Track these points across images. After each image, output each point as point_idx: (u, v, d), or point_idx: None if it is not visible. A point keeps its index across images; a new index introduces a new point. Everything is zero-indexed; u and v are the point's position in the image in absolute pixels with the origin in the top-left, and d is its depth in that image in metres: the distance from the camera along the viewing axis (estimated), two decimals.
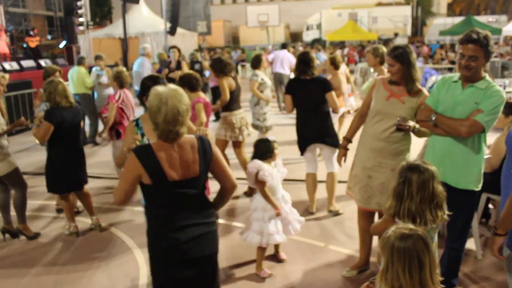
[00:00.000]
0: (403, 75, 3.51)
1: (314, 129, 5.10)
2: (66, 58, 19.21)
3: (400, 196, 2.47)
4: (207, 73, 11.16)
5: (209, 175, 2.63)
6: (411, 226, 2.04)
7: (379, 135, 3.58)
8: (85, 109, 8.93)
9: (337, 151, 5.15)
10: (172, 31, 21.17)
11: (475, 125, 3.01)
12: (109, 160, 7.51)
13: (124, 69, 6.22)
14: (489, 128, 3.06)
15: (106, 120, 5.93)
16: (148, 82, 3.52)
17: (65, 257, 4.50)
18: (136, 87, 9.76)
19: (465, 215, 3.27)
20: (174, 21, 21.23)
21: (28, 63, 14.14)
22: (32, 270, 4.25)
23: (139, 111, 6.60)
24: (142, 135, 3.47)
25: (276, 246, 4.22)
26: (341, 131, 8.22)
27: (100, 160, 8.01)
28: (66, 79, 8.10)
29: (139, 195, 2.75)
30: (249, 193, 5.95)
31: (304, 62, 5.09)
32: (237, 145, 6.11)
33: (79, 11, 18.47)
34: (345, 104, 8.01)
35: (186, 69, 9.28)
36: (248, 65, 20.69)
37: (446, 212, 2.52)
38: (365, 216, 3.83)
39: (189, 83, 4.79)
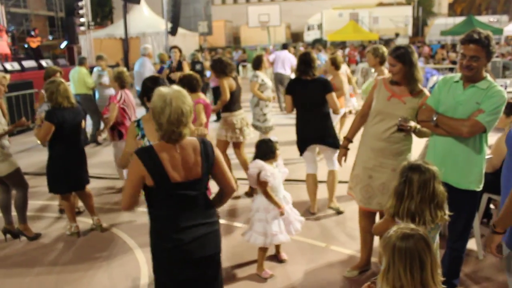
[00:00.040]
0: (405, 75, 3.51)
1: (314, 130, 5.10)
2: (67, 58, 19.23)
3: (401, 195, 2.47)
4: (208, 73, 11.17)
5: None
6: (412, 226, 2.04)
7: (380, 135, 3.58)
8: (86, 109, 8.95)
9: (337, 151, 5.17)
10: (173, 31, 21.18)
11: (477, 125, 3.01)
12: (110, 161, 7.52)
13: (125, 69, 6.23)
14: (491, 128, 3.06)
15: (107, 120, 5.93)
16: (149, 83, 3.52)
17: (66, 257, 4.50)
18: (138, 88, 9.76)
19: (466, 216, 3.26)
20: (175, 21, 21.23)
21: (29, 63, 14.16)
22: (33, 270, 4.26)
23: (140, 112, 6.62)
24: (143, 136, 3.48)
25: (277, 247, 4.22)
26: (342, 132, 8.23)
27: (101, 160, 8.02)
28: (67, 80, 8.10)
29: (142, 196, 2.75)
30: (250, 193, 5.95)
31: (305, 63, 5.09)
32: (237, 145, 6.11)
33: (80, 12, 18.49)
34: (347, 105, 8.00)
35: (187, 69, 9.29)
36: (249, 65, 20.72)
37: (447, 212, 2.52)
38: (366, 216, 3.83)
39: (189, 84, 4.79)
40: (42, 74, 6.36)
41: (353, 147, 4.02)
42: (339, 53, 13.64)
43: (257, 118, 7.00)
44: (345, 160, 4.07)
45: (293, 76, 7.09)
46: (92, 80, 8.98)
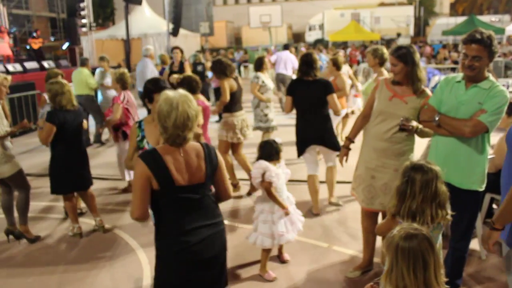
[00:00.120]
0: (407, 75, 3.51)
1: (314, 131, 5.10)
2: (69, 59, 19.29)
3: (403, 195, 2.47)
4: (209, 74, 11.17)
5: None
6: (416, 226, 2.04)
7: (382, 136, 3.58)
8: (89, 110, 8.97)
9: (336, 152, 5.21)
10: (174, 32, 21.20)
11: (479, 125, 3.01)
12: (112, 161, 7.54)
13: (126, 70, 6.25)
14: (493, 128, 3.05)
15: (109, 121, 5.94)
16: (150, 85, 3.53)
17: (69, 258, 4.51)
18: (139, 89, 9.77)
19: (469, 216, 3.26)
20: (177, 22, 21.26)
21: (31, 64, 14.20)
22: (36, 271, 4.27)
23: (141, 112, 6.63)
24: (143, 137, 3.49)
25: (280, 247, 4.22)
26: (345, 132, 8.23)
27: (104, 161, 8.03)
28: (70, 81, 8.12)
29: None
30: (249, 192, 5.99)
31: (307, 64, 5.09)
32: (236, 146, 6.13)
33: (82, 13, 18.54)
34: (352, 105, 8.01)
35: (189, 70, 9.29)
36: (250, 66, 20.73)
37: (450, 212, 2.52)
38: (369, 216, 3.83)
39: (189, 85, 4.79)
40: (44, 75, 6.38)
41: (355, 147, 4.02)
42: (341, 53, 13.64)
43: (259, 119, 7.00)
44: (346, 160, 4.07)
45: (294, 76, 7.09)
46: (94, 81, 8.99)
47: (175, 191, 2.41)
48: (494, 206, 4.79)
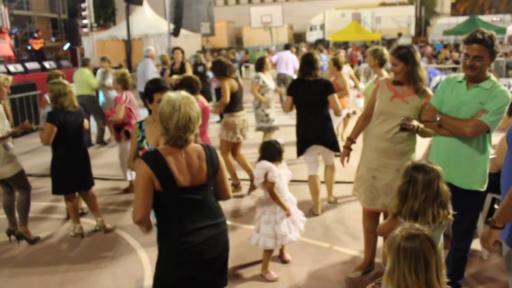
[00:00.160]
0: (408, 75, 3.51)
1: (315, 130, 5.11)
2: (70, 60, 19.32)
3: (405, 195, 2.47)
4: (210, 74, 11.17)
5: None
6: (417, 226, 2.04)
7: (384, 136, 3.58)
8: (90, 111, 8.97)
9: (334, 153, 5.23)
10: (175, 33, 21.21)
11: (480, 125, 3.00)
12: (114, 162, 7.54)
13: (127, 70, 6.26)
14: (494, 128, 3.05)
15: (111, 122, 5.96)
16: (150, 85, 3.54)
17: (70, 258, 4.51)
18: (140, 89, 9.78)
19: (470, 216, 3.26)
20: (178, 22, 21.26)
21: (32, 65, 14.22)
22: (37, 271, 4.27)
23: (142, 112, 6.64)
24: (143, 137, 3.50)
25: (281, 247, 4.21)
26: (346, 132, 8.23)
27: (105, 161, 8.04)
28: (71, 82, 8.14)
29: None
30: (251, 191, 6.04)
31: (308, 64, 5.10)
32: (235, 146, 6.14)
33: (83, 13, 18.54)
34: (354, 106, 8.01)
35: (190, 71, 9.30)
36: (251, 66, 20.73)
37: (451, 211, 2.52)
38: (370, 217, 3.83)
39: (190, 86, 4.79)
40: (45, 76, 6.39)
41: (356, 147, 4.02)
42: (342, 53, 13.63)
43: (260, 119, 7.01)
44: (347, 161, 4.07)
45: (295, 76, 7.09)
46: (96, 81, 8.99)
47: (177, 192, 2.41)
48: (496, 206, 4.78)
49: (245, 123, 6.06)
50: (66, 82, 4.78)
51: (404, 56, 3.48)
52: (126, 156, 5.72)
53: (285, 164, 4.09)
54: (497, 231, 2.54)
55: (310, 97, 5.09)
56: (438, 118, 3.17)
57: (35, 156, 8.60)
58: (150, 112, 3.75)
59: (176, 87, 4.88)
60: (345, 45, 29.35)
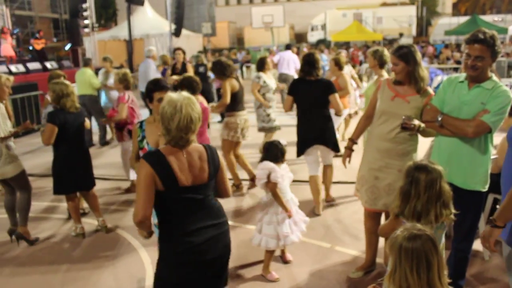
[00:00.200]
0: (408, 74, 3.51)
1: (316, 130, 5.11)
2: (71, 60, 19.34)
3: (407, 195, 2.47)
4: (211, 75, 11.17)
5: None
6: (419, 226, 2.04)
7: (386, 136, 3.57)
8: (92, 111, 8.98)
9: (333, 153, 5.24)
10: (177, 33, 21.23)
11: (482, 125, 3.00)
12: (115, 162, 7.55)
13: (128, 70, 6.27)
14: (496, 129, 3.05)
15: (112, 120, 5.97)
16: (150, 85, 3.55)
17: (71, 258, 4.52)
18: (142, 89, 9.79)
19: (472, 216, 3.25)
20: (179, 22, 21.28)
21: (34, 65, 14.25)
22: (39, 270, 4.28)
23: (144, 113, 6.64)
24: (143, 137, 3.51)
25: (283, 247, 4.21)
26: (347, 132, 8.22)
27: (106, 161, 8.04)
28: (73, 82, 8.16)
29: None
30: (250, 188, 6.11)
31: (309, 63, 5.11)
32: (235, 145, 6.15)
33: (84, 14, 18.57)
34: (355, 106, 8.01)
35: (191, 71, 9.30)
36: (253, 67, 20.72)
37: (453, 211, 2.51)
38: (372, 217, 3.82)
39: (190, 86, 4.79)
40: (46, 76, 6.39)
41: (357, 148, 4.02)
42: (343, 53, 13.61)
43: (261, 119, 7.01)
44: (349, 162, 4.07)
45: (296, 76, 7.08)
46: (97, 81, 9.00)
47: (179, 191, 2.41)
48: (497, 206, 4.78)
49: (246, 123, 6.07)
50: (68, 82, 4.78)
51: (405, 55, 3.48)
52: (128, 156, 5.73)
53: (287, 166, 4.09)
54: (498, 230, 2.53)
55: (311, 97, 5.09)
56: (439, 118, 3.16)
57: (36, 156, 8.61)
58: (151, 112, 3.76)
59: (176, 87, 4.88)
60: (346, 45, 29.33)
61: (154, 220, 2.76)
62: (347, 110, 7.43)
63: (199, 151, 2.51)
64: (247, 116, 6.13)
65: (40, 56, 18.30)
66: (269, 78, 7.13)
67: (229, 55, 20.27)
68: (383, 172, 3.60)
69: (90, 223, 5.27)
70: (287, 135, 7.03)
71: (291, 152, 6.08)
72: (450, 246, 3.40)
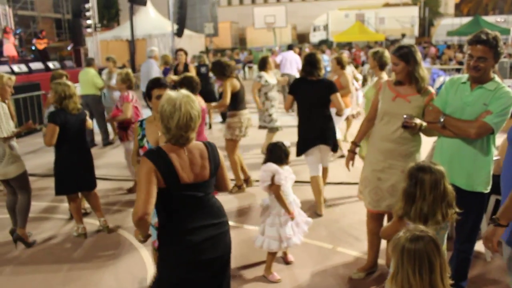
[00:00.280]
0: (409, 74, 3.50)
1: (317, 130, 5.12)
2: (74, 60, 19.34)
3: (412, 197, 2.46)
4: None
5: None
6: (422, 227, 2.03)
7: (389, 136, 3.56)
8: (94, 111, 8.99)
9: (331, 153, 5.25)
10: (179, 33, 21.25)
11: (484, 126, 3.00)
12: (117, 162, 7.57)
13: (130, 70, 6.27)
14: (498, 130, 3.05)
15: (115, 119, 5.98)
16: (150, 84, 3.56)
17: (73, 257, 4.52)
18: (144, 89, 9.79)
19: (474, 217, 3.24)
20: (181, 22, 21.29)
21: (36, 65, 14.25)
22: (41, 270, 4.29)
23: (145, 112, 6.65)
24: (143, 136, 3.52)
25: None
26: (349, 133, 8.21)
27: (108, 161, 8.05)
28: (75, 82, 8.18)
29: None
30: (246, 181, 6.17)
31: (310, 63, 5.12)
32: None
33: (87, 14, 18.60)
34: (358, 106, 7.99)
35: (193, 72, 9.31)
36: (255, 67, 20.73)
37: (457, 210, 2.51)
38: (374, 218, 3.81)
39: (190, 85, 4.80)
40: (49, 76, 6.40)
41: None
42: (345, 54, 13.59)
43: (263, 119, 7.02)
44: (352, 165, 4.06)
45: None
46: (101, 81, 9.00)
47: (180, 188, 2.41)
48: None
49: (249, 121, 6.11)
50: (70, 83, 4.78)
51: (405, 55, 3.48)
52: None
53: (289, 167, 4.09)
54: (502, 229, 2.52)
55: (313, 97, 5.10)
56: (442, 120, 3.16)
57: (39, 156, 8.62)
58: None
59: (176, 86, 4.89)
60: (348, 45, 29.31)
61: (153, 220, 2.76)
62: (349, 110, 7.42)
63: (200, 149, 2.51)
64: (250, 115, 6.14)
65: (43, 56, 18.31)
66: (271, 78, 7.13)
67: (232, 55, 20.28)
68: (386, 173, 3.60)
69: (92, 223, 5.27)
70: (289, 136, 7.04)
71: (292, 153, 6.10)
72: (452, 247, 3.40)
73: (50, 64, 14.85)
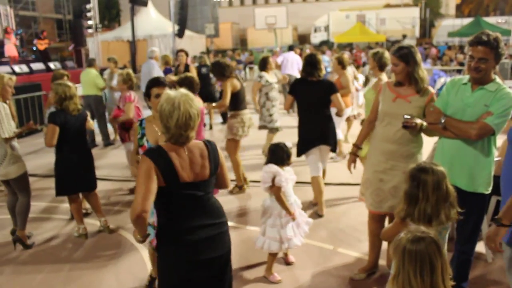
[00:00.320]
0: (408, 75, 3.51)
1: (317, 131, 5.12)
2: (75, 60, 19.38)
3: (414, 198, 2.45)
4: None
5: None
6: (423, 229, 2.03)
7: (391, 138, 3.56)
8: (95, 112, 8.99)
9: (330, 155, 5.25)
10: (180, 34, 21.26)
11: (485, 127, 2.99)
12: (118, 162, 7.57)
13: (131, 71, 6.27)
14: (499, 131, 3.04)
15: (116, 120, 5.98)
16: (149, 83, 3.56)
17: (74, 258, 4.52)
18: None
19: (475, 218, 3.24)
20: (182, 23, 21.31)
21: (37, 65, 14.28)
22: (42, 269, 4.29)
23: (146, 113, 6.65)
24: (143, 135, 3.52)
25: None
26: (350, 134, 8.20)
27: (109, 162, 8.05)
28: (76, 82, 8.18)
29: None
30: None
31: (311, 64, 5.12)
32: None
33: (88, 14, 18.63)
34: (360, 107, 7.99)
35: (194, 73, 9.31)
36: (256, 68, 20.73)
37: (458, 209, 2.51)
38: (376, 220, 3.81)
39: (190, 85, 4.80)
40: (50, 76, 6.40)
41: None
42: (346, 55, 13.59)
43: (263, 119, 7.02)
44: (354, 167, 4.06)
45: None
46: (102, 81, 9.01)
47: (180, 187, 2.41)
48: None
49: (251, 120, 6.11)
50: (70, 83, 4.78)
51: (405, 56, 3.48)
52: None
53: (291, 168, 4.09)
54: (504, 229, 2.52)
55: (313, 97, 5.11)
56: (442, 121, 3.16)
57: (39, 156, 8.63)
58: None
59: (175, 86, 4.89)
60: (349, 46, 29.29)
61: (151, 219, 2.75)
62: (349, 109, 7.43)
63: (200, 148, 2.51)
64: (251, 115, 6.15)
65: (44, 56, 18.34)
66: (272, 78, 7.14)
67: (233, 56, 20.28)
68: (388, 174, 3.60)
69: (92, 223, 5.27)
70: (290, 137, 7.04)
71: (292, 154, 6.10)
72: (453, 248, 3.39)
73: (51, 65, 14.87)
